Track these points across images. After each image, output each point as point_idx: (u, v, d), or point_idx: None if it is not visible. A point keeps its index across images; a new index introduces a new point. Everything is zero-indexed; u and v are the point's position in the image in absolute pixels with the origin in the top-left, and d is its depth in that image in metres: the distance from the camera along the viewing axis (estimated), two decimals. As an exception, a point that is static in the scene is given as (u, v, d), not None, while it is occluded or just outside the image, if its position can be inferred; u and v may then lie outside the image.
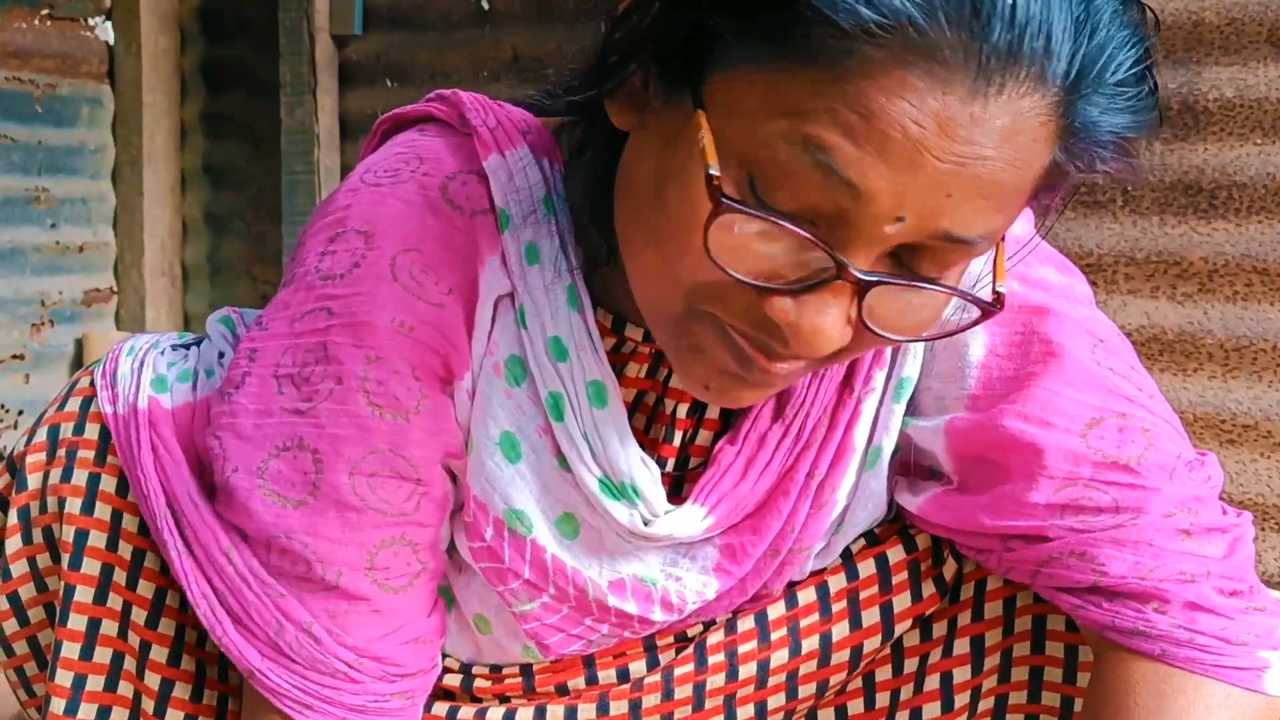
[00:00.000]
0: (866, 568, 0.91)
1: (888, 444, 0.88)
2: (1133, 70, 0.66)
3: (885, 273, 0.66)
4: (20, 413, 2.82)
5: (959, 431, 0.84)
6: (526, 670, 0.92)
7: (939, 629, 0.92)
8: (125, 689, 0.91)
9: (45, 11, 2.76)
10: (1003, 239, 0.71)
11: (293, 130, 2.63)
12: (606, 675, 0.92)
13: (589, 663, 0.92)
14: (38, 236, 2.81)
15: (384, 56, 2.57)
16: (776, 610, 0.92)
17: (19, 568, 0.93)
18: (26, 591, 0.94)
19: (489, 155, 0.81)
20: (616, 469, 0.82)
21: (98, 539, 0.90)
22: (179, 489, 0.85)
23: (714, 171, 0.63)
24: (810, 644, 0.92)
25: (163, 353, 0.94)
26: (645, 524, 0.84)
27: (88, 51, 2.86)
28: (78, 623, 0.90)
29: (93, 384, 0.93)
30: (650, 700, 0.92)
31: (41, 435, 0.93)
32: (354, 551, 0.82)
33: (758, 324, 0.68)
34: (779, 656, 0.92)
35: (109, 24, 2.88)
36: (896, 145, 0.60)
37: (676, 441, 0.87)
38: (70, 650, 0.89)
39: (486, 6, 2.42)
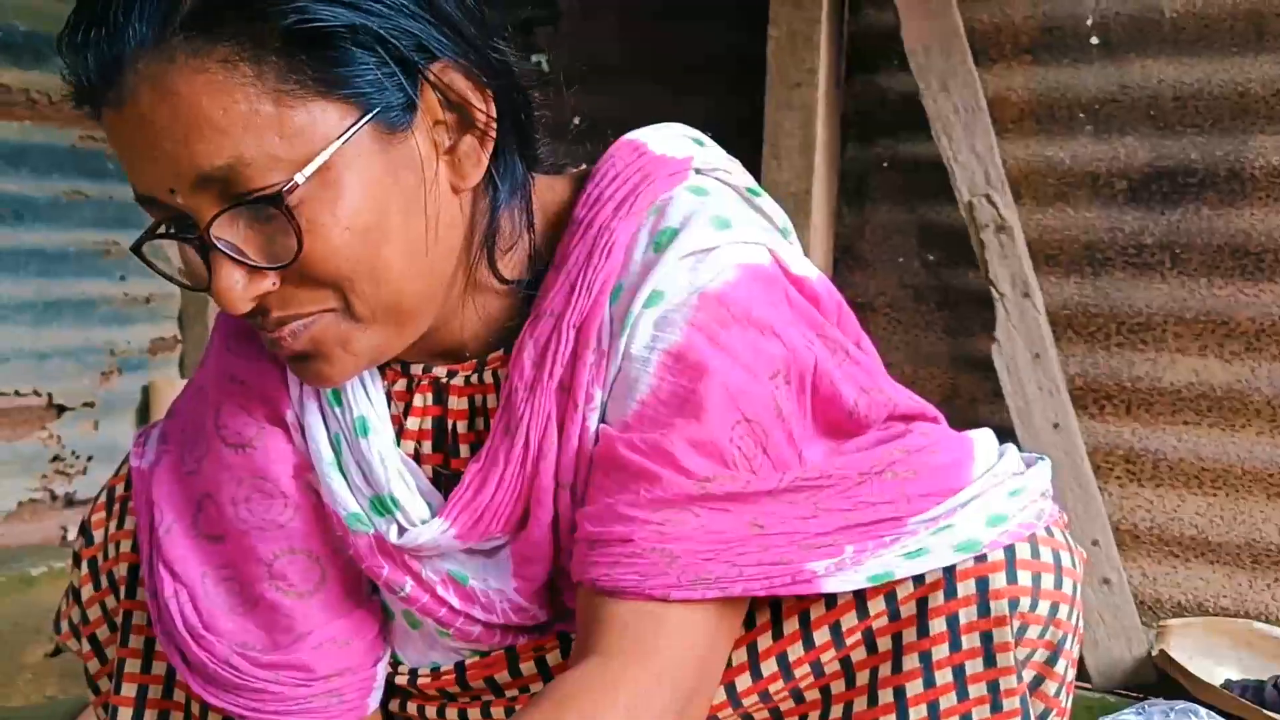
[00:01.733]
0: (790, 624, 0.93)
1: None
2: None
3: (211, 225, 0.79)
4: (89, 458, 2.90)
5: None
6: (460, 667, 1.00)
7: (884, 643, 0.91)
8: (180, 696, 1.04)
9: (118, 72, 2.87)
10: (360, 131, 0.79)
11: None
12: (528, 668, 0.98)
13: (511, 656, 0.98)
14: (108, 288, 2.90)
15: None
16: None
17: (94, 611, 1.09)
18: (103, 633, 1.09)
19: None
20: (380, 484, 0.94)
21: (143, 572, 1.03)
22: (154, 546, 0.99)
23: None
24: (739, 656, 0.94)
25: None
26: (400, 534, 0.94)
27: (156, 109, 2.96)
28: (137, 642, 1.04)
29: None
30: None
31: (103, 497, 1.09)
32: (255, 567, 0.97)
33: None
34: None
35: (177, 82, 2.98)
36: (123, 153, 0.80)
37: (461, 455, 0.96)
38: (132, 666, 1.04)
39: (546, 68, 2.51)
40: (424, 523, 0.93)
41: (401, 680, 1.03)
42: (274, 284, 0.81)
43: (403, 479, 0.94)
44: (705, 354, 0.85)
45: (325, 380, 0.87)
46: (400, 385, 0.97)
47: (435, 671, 1.01)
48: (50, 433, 2.83)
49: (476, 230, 0.89)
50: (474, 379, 0.95)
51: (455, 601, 0.96)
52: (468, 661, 1.00)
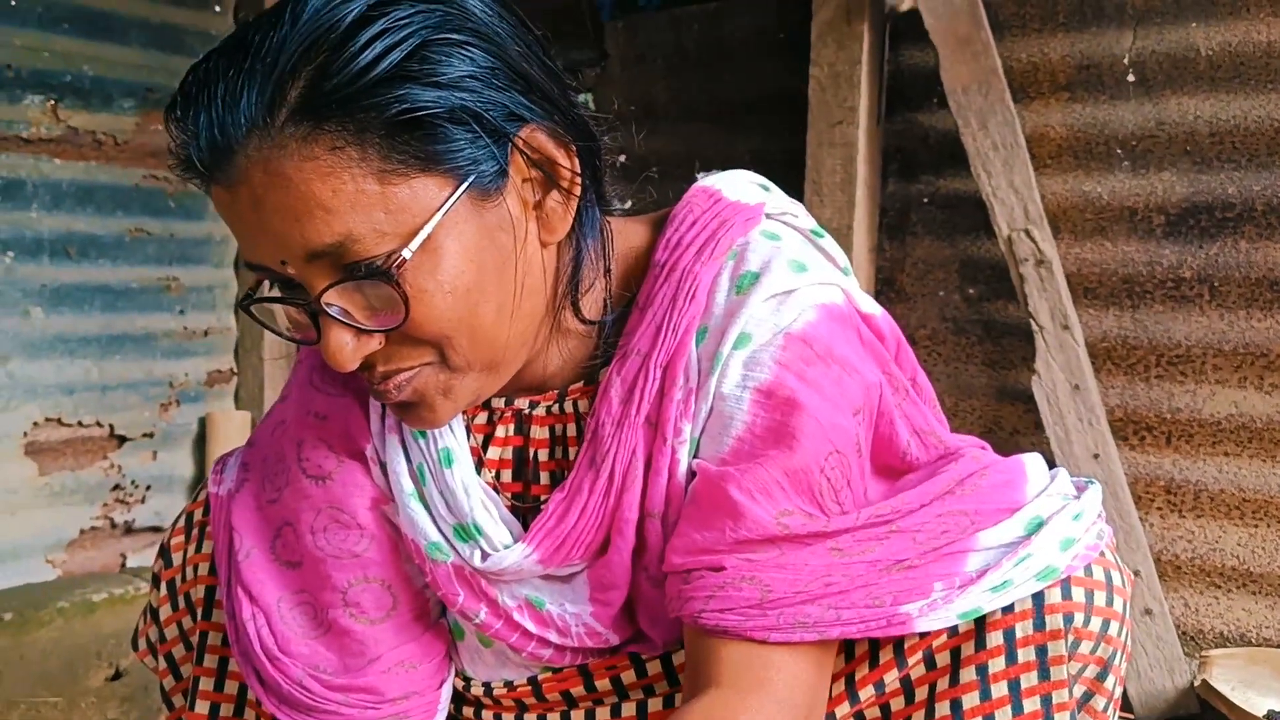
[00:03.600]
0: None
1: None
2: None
3: (323, 295, 0.83)
4: (148, 487, 2.97)
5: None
6: (534, 681, 1.04)
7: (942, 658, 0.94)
8: (249, 715, 1.09)
9: (179, 114, 2.96)
10: (459, 200, 0.83)
11: (408, 223, 2.77)
12: (603, 684, 1.02)
13: (584, 673, 1.02)
14: (167, 322, 2.98)
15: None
16: None
17: (171, 631, 1.14)
18: (179, 651, 1.14)
19: None
20: (463, 513, 0.98)
21: (221, 594, 1.08)
22: (233, 570, 1.04)
23: (249, 291, 0.90)
24: None
25: None
26: (483, 559, 0.98)
27: (216, 149, 3.05)
28: (211, 661, 1.09)
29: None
30: (653, 705, 1.01)
31: (181, 522, 1.14)
32: (331, 594, 1.02)
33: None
34: None
35: (235, 123, 3.06)
36: (237, 228, 0.84)
37: (546, 481, 1.01)
38: (206, 684, 1.09)
39: (593, 107, 2.57)
40: (506, 548, 0.97)
41: (476, 692, 1.07)
42: (380, 343, 0.86)
43: (485, 507, 0.98)
44: (795, 389, 0.89)
45: (429, 424, 0.92)
46: (481, 419, 1.02)
47: (510, 685, 1.05)
48: (111, 462, 2.90)
49: (561, 278, 0.94)
50: (555, 409, 1.00)
51: (531, 626, 0.99)
52: (541, 677, 1.04)
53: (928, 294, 2.25)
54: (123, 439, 2.91)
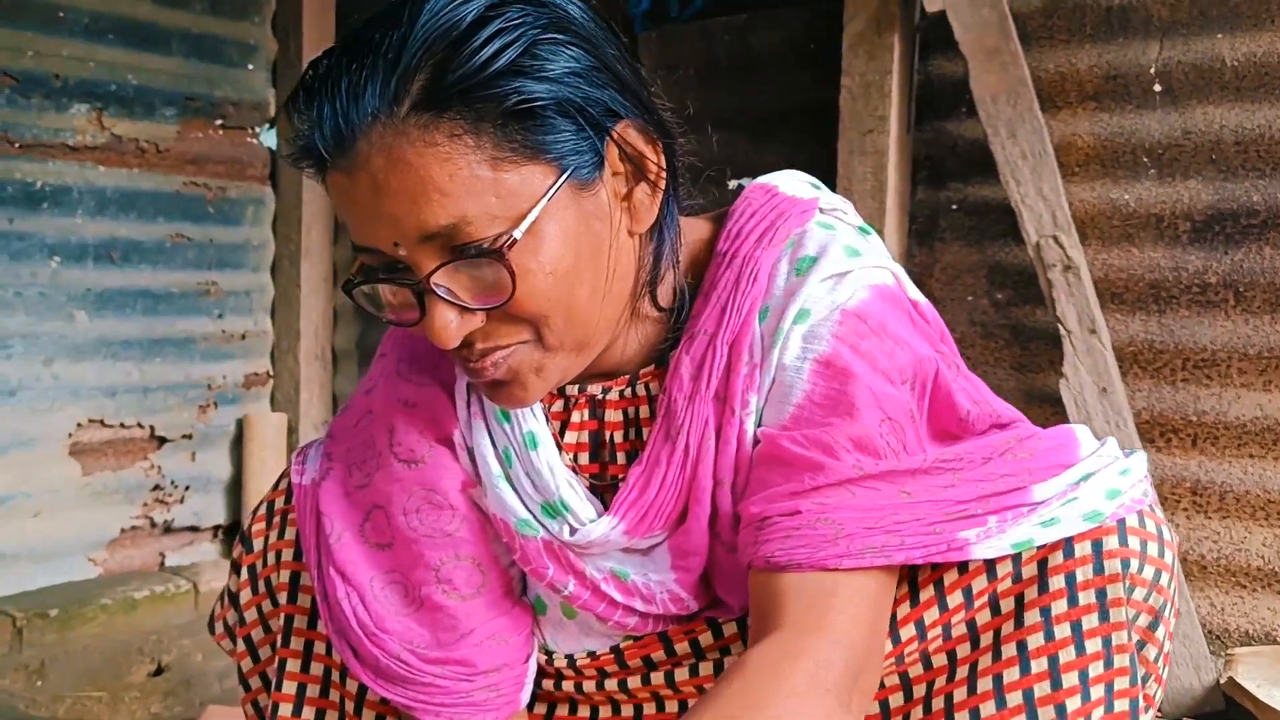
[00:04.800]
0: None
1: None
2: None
3: (432, 275, 0.89)
4: (186, 488, 3.03)
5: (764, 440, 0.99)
6: (616, 650, 1.09)
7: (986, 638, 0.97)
8: (335, 696, 1.13)
9: (218, 122, 3.03)
10: (532, 218, 0.89)
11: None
12: (682, 648, 1.07)
13: (664, 639, 1.07)
14: (206, 326, 3.04)
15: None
16: None
17: (250, 614, 1.17)
18: (257, 634, 1.18)
19: None
20: (549, 491, 1.04)
21: (306, 579, 1.13)
22: (324, 553, 1.09)
23: (351, 276, 0.95)
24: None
25: None
26: (571, 533, 1.03)
27: (253, 157, 3.12)
28: (297, 643, 1.13)
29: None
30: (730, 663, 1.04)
31: (262, 510, 1.19)
32: (423, 572, 1.06)
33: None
34: None
35: (273, 131, 3.13)
36: (352, 211, 0.89)
37: (622, 461, 1.07)
38: (293, 665, 1.13)
39: (625, 117, 2.61)
40: (592, 522, 1.03)
41: (559, 664, 1.12)
42: (481, 322, 0.91)
43: (570, 485, 1.04)
44: (850, 361, 0.96)
45: (518, 403, 0.98)
46: (557, 406, 1.07)
47: (592, 655, 1.10)
48: (151, 463, 2.96)
49: (644, 266, 1.00)
50: (628, 393, 1.06)
51: (617, 595, 1.05)
52: (623, 645, 1.09)
53: (956, 299, 2.29)
54: (163, 440, 2.97)
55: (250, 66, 3.08)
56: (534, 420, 1.06)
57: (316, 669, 1.13)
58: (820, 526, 0.92)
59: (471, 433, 1.07)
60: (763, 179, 1.06)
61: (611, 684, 1.10)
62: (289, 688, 1.13)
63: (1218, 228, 2.02)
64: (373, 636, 1.05)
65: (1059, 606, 0.94)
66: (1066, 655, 0.94)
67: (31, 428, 2.73)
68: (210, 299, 3.04)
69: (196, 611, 2.84)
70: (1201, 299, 2.04)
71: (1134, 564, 0.96)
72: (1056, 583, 0.95)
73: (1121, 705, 0.94)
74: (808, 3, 2.46)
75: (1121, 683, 0.94)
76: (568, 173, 0.89)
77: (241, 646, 1.19)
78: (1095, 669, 0.94)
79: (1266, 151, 1.97)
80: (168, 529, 3.02)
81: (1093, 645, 0.94)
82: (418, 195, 0.86)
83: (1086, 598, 0.94)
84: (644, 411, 1.05)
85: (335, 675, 1.12)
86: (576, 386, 1.06)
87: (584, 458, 1.08)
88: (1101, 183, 2.13)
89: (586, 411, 1.07)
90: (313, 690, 1.13)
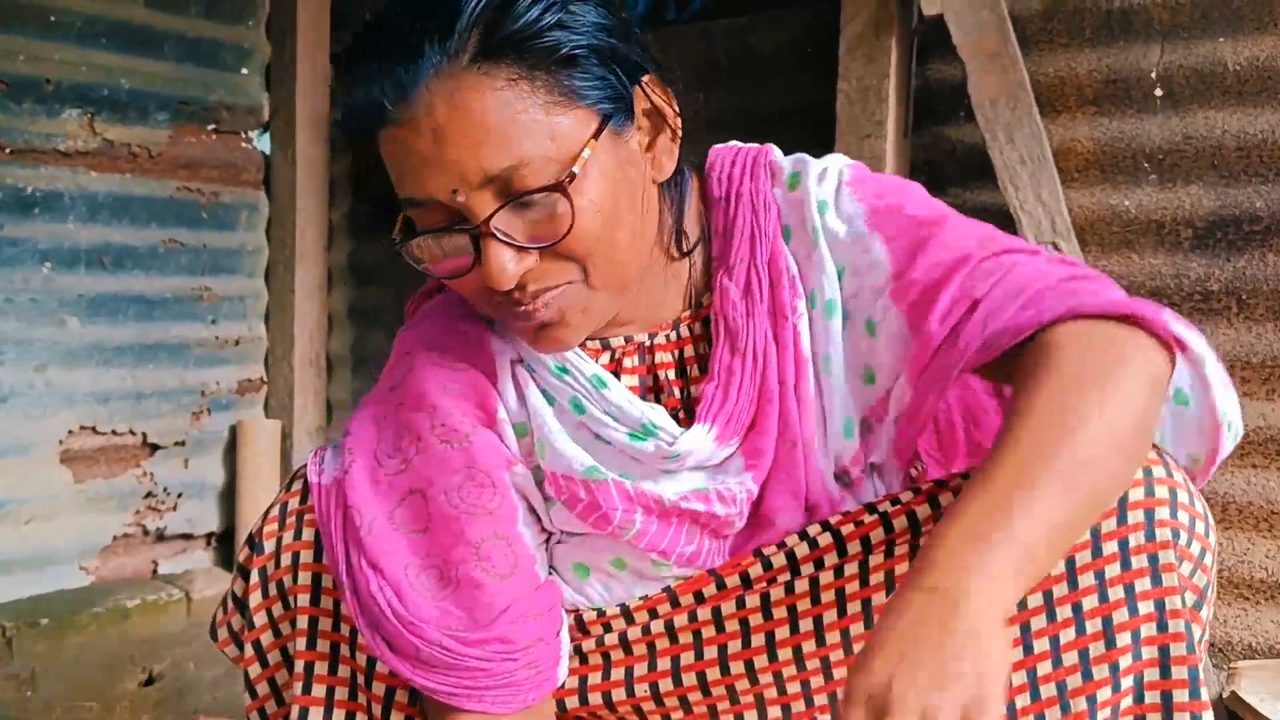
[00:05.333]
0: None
1: (836, 354, 1.11)
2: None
3: (492, 217, 0.95)
4: (179, 495, 3.01)
5: (902, 290, 1.07)
6: (668, 589, 1.14)
7: (1063, 611, 0.99)
8: (362, 699, 1.13)
9: (212, 127, 3.01)
10: (609, 133, 0.99)
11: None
12: (732, 581, 1.11)
13: (714, 574, 1.12)
14: (200, 331, 3.02)
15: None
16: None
17: (260, 618, 1.16)
18: (266, 638, 1.16)
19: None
20: (633, 419, 1.10)
21: (327, 580, 1.12)
22: (351, 544, 1.09)
23: (395, 236, 1.01)
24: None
25: None
26: (670, 445, 1.09)
27: (247, 162, 3.10)
28: (323, 646, 1.13)
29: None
30: (775, 594, 1.10)
31: (274, 512, 1.17)
32: (463, 549, 1.08)
33: (498, 295, 1.00)
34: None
35: (266, 137, 3.11)
36: (409, 161, 0.95)
37: (677, 395, 1.15)
38: (320, 669, 1.13)
39: (621, 121, 2.59)
40: (684, 434, 1.09)
41: (612, 614, 1.15)
42: (535, 262, 0.98)
43: (651, 408, 1.11)
44: (888, 198, 1.10)
45: (562, 344, 1.05)
46: (604, 359, 1.14)
47: (645, 598, 1.15)
48: (144, 470, 2.94)
49: (665, 214, 1.10)
50: (672, 336, 1.15)
51: (699, 505, 1.10)
52: (674, 584, 1.14)
53: (955, 306, 2.26)
54: (155, 447, 2.95)
55: (244, 70, 3.06)
56: (593, 364, 1.12)
57: (344, 672, 1.13)
58: (1007, 304, 0.98)
59: (523, 401, 1.12)
60: (717, 146, 1.19)
61: (658, 625, 1.13)
62: (318, 690, 1.13)
63: (1220, 234, 1.99)
64: (410, 626, 1.05)
65: (1112, 570, 0.97)
66: (1120, 616, 0.97)
67: (23, 434, 2.71)
68: (204, 304, 3.02)
69: (189, 620, 2.82)
70: (1203, 307, 2.01)
71: (1183, 537, 0.99)
72: (1110, 548, 0.98)
73: (1179, 673, 0.97)
74: (807, 3, 2.44)
75: (1178, 649, 0.96)
76: (609, 120, 0.98)
77: (250, 651, 1.17)
78: (1148, 629, 0.97)
79: (1269, 157, 1.95)
80: (160, 537, 3.00)
81: (1145, 607, 0.97)
82: (480, 139, 0.93)
83: (1139, 561, 0.97)
84: (689, 351, 1.15)
85: (361, 679, 1.12)
86: (622, 337, 1.14)
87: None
88: (1101, 188, 2.10)
89: (636, 358, 1.15)
90: (341, 693, 1.13)
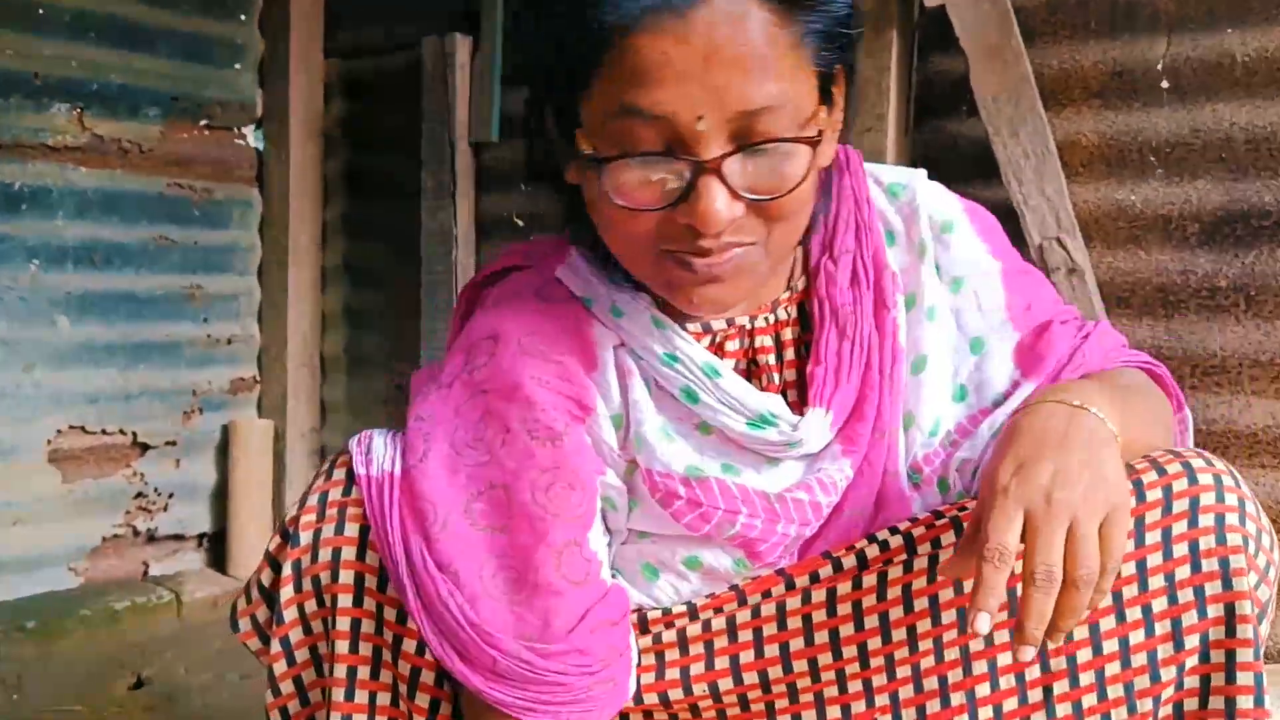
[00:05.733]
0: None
1: (933, 358, 1.13)
2: None
3: (724, 154, 0.92)
4: (170, 495, 2.97)
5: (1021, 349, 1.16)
6: (735, 587, 1.12)
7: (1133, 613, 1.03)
8: (404, 706, 1.08)
9: (204, 122, 2.97)
10: (831, 103, 1.00)
11: (433, 233, 2.77)
12: (802, 581, 1.10)
13: (782, 574, 1.11)
14: (191, 330, 2.98)
15: (519, 163, 2.71)
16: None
17: (290, 613, 1.09)
18: (295, 634, 1.10)
19: (557, 268, 1.13)
20: (754, 409, 1.09)
21: (370, 581, 1.07)
22: (413, 543, 1.03)
23: (588, 151, 0.96)
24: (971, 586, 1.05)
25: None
26: (794, 430, 1.08)
27: (240, 158, 3.06)
28: (365, 650, 1.07)
29: (349, 456, 1.11)
30: (842, 588, 1.09)
31: (313, 501, 1.10)
32: (546, 552, 1.03)
33: (687, 237, 0.95)
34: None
35: (260, 133, 3.08)
36: (663, 73, 0.90)
37: (776, 380, 1.13)
38: (363, 674, 1.07)
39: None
40: (802, 420, 1.09)
41: (679, 611, 1.13)
42: (742, 212, 0.95)
43: (769, 397, 1.10)
44: (1000, 238, 1.20)
45: (720, 306, 1.02)
46: (705, 343, 1.12)
47: (711, 595, 1.13)
48: (134, 470, 2.91)
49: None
50: (771, 319, 1.14)
51: (803, 495, 1.09)
52: (743, 583, 1.12)
53: (957, 303, 2.23)
54: (146, 447, 2.92)
55: (237, 66, 3.02)
56: (703, 351, 1.10)
57: (385, 677, 1.07)
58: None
59: (624, 391, 1.09)
60: None
61: (719, 623, 1.12)
62: (361, 697, 1.08)
63: (1228, 229, 1.96)
64: (486, 636, 1.00)
65: (1182, 572, 1.00)
66: (1189, 619, 0.99)
67: (11, 435, 2.68)
68: (195, 303, 2.98)
69: (180, 623, 2.78)
70: (1211, 303, 1.98)
71: (1250, 545, 1.00)
72: (1180, 550, 1.00)
73: (1245, 679, 0.99)
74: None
75: (1244, 655, 0.98)
76: (828, 92, 0.99)
77: (277, 647, 1.11)
78: (1216, 633, 0.99)
79: (1278, 150, 1.91)
80: (151, 538, 2.96)
81: (1214, 610, 0.99)
82: (751, 69, 0.91)
83: (1209, 565, 0.99)
84: (787, 335, 1.14)
85: (404, 688, 1.08)
86: (724, 320, 1.12)
87: None
88: (1107, 183, 2.06)
89: (737, 341, 1.13)
90: (384, 699, 1.08)
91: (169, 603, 2.79)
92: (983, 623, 0.88)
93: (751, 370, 1.14)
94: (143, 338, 2.90)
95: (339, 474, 1.10)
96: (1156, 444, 1.08)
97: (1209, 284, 1.98)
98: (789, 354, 1.14)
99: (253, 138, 3.07)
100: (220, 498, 3.05)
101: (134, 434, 2.90)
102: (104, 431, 2.84)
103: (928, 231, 1.15)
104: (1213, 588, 0.99)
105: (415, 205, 2.81)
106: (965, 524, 1.01)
